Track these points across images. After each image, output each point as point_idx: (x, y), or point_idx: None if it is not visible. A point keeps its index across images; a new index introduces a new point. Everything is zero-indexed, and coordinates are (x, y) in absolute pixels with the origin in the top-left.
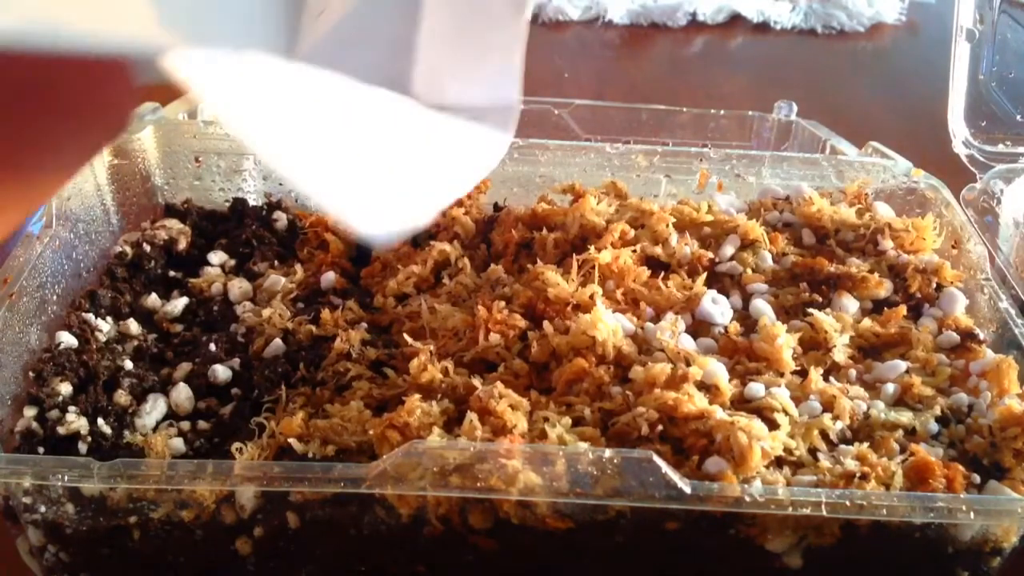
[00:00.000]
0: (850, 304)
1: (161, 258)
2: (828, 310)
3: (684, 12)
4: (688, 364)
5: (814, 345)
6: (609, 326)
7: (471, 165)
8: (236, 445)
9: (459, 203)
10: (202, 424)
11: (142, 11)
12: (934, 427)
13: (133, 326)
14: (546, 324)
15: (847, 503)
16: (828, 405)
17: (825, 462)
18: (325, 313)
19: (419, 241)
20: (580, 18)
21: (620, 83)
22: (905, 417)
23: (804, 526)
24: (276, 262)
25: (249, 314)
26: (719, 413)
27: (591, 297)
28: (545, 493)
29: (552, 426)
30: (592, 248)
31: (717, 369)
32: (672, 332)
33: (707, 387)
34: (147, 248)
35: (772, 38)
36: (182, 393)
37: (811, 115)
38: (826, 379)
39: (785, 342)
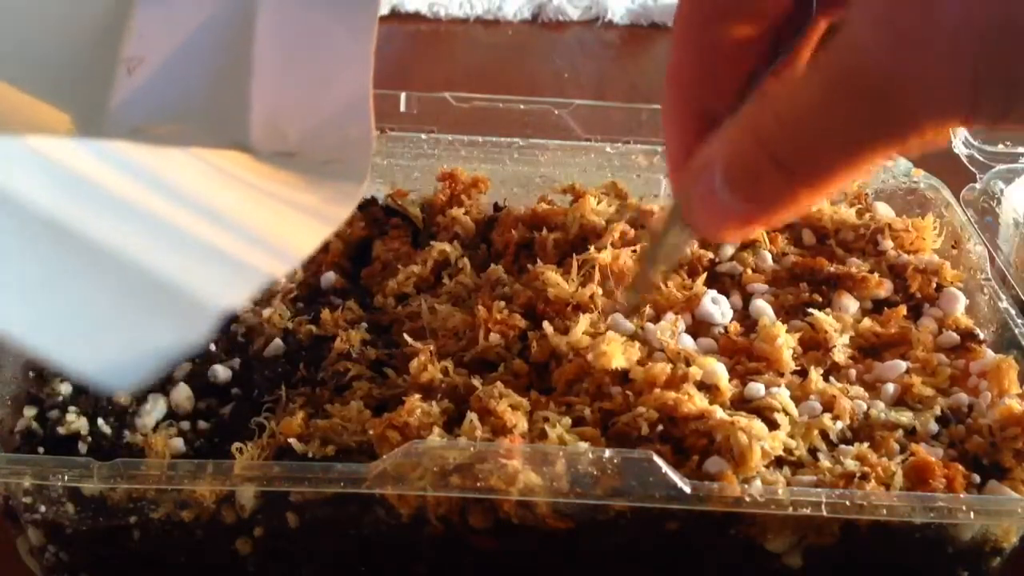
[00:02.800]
0: (850, 304)
1: None
2: (828, 310)
3: None
4: (688, 364)
5: (814, 345)
6: (619, 351)
7: (309, 227)
8: (236, 445)
9: (459, 203)
10: (202, 424)
11: None
12: (934, 427)
13: None
14: (546, 324)
15: (847, 503)
16: (828, 405)
17: (825, 462)
18: (325, 313)
19: (419, 241)
20: (580, 18)
21: (620, 83)
22: (905, 417)
23: (804, 526)
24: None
25: (249, 314)
26: (719, 413)
27: (591, 297)
28: (545, 493)
29: (552, 426)
30: (592, 248)
31: (717, 369)
32: (672, 332)
33: (707, 387)
34: None
35: None
36: (182, 393)
37: None
38: (826, 379)
39: (785, 342)
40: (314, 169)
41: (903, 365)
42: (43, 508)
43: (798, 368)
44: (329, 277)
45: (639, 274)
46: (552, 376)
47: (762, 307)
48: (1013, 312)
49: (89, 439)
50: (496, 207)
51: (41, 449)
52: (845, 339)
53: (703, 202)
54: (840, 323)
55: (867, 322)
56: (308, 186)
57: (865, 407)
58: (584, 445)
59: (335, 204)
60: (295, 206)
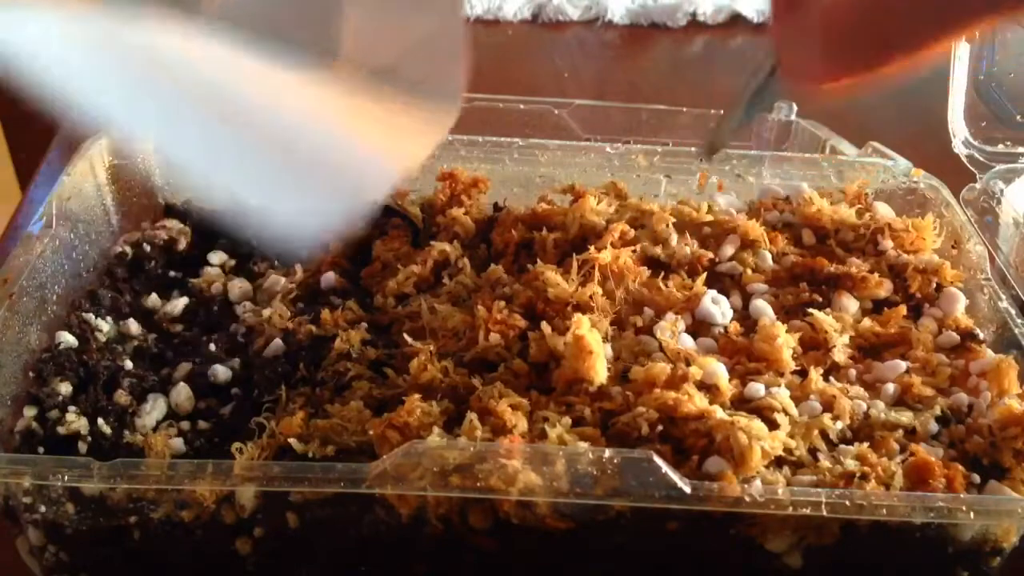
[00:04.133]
0: (850, 304)
1: (161, 258)
2: (828, 310)
3: (684, 12)
4: (688, 364)
5: (814, 345)
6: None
7: (407, 147)
8: (236, 445)
9: (459, 203)
10: (202, 424)
11: None
12: (934, 427)
13: (133, 326)
14: (544, 325)
15: (847, 503)
16: (828, 405)
17: (825, 462)
18: (325, 313)
19: (419, 241)
20: (580, 18)
21: (620, 83)
22: (905, 417)
23: (804, 526)
24: (276, 262)
25: (249, 314)
26: (719, 413)
27: (591, 297)
28: (545, 493)
29: (552, 426)
30: (592, 248)
31: (717, 369)
32: (672, 332)
33: (707, 387)
34: (147, 248)
35: None
36: (182, 393)
37: (811, 115)
38: (826, 379)
39: (785, 342)
40: (408, 90)
41: (903, 365)
42: (43, 508)
43: (798, 368)
44: (329, 277)
45: (724, 119)
46: (552, 376)
47: (762, 307)
48: (1013, 312)
49: (89, 439)
50: (496, 207)
51: (41, 449)
52: (845, 339)
53: (800, 51)
54: (840, 323)
55: (867, 322)
56: (404, 108)
57: (865, 407)
58: (584, 445)
59: (431, 125)
60: (395, 125)
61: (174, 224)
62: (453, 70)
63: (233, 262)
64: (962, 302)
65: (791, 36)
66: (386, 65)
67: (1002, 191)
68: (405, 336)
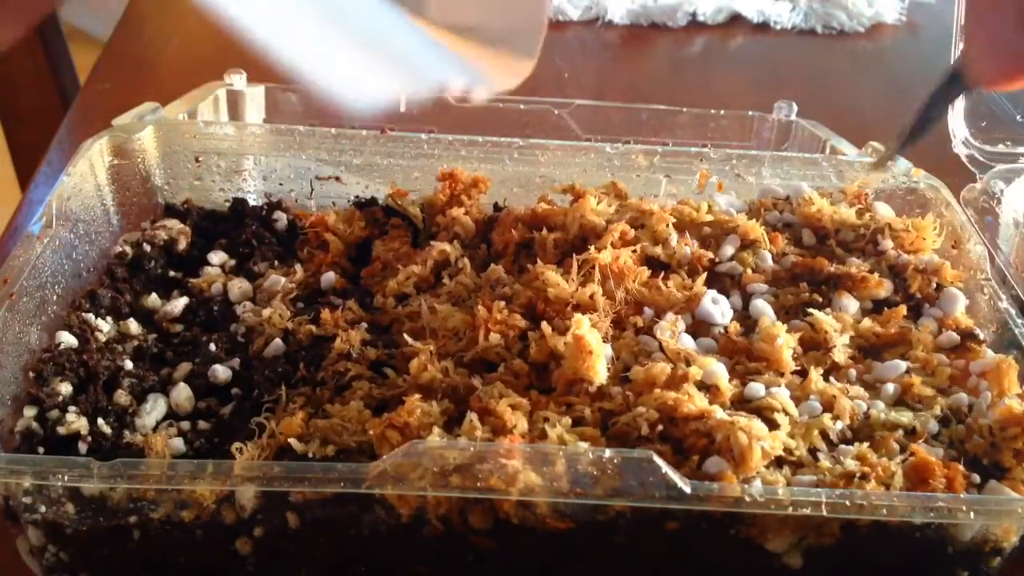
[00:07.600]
0: (850, 304)
1: (161, 258)
2: (828, 310)
3: (684, 12)
4: (688, 364)
5: (814, 345)
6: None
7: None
8: (236, 445)
9: (459, 203)
10: (202, 424)
11: None
12: (934, 427)
13: (133, 326)
14: (544, 325)
15: (847, 503)
16: (828, 405)
17: (825, 462)
18: (325, 313)
19: (419, 241)
20: (580, 18)
21: (620, 83)
22: (905, 417)
23: (804, 526)
24: (276, 262)
25: (249, 314)
26: (719, 413)
27: (591, 297)
28: (545, 493)
29: (552, 426)
30: (592, 248)
31: (717, 369)
32: (672, 332)
33: (707, 387)
34: (147, 248)
35: (772, 38)
36: (182, 393)
37: (811, 115)
38: (826, 379)
39: (785, 342)
40: (488, 43)
41: (903, 365)
42: (43, 508)
43: (798, 368)
44: (329, 277)
45: (900, 132)
46: (552, 376)
47: (762, 307)
48: (1013, 312)
49: (89, 439)
50: (496, 207)
51: (41, 449)
52: (845, 339)
53: (992, 45)
54: (840, 323)
55: (867, 322)
56: (481, 56)
57: (865, 407)
58: (584, 445)
59: (504, 75)
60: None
61: (174, 224)
62: (531, 29)
63: (233, 262)
64: (962, 302)
65: (984, 34)
66: (467, 23)
67: (1002, 191)
68: (405, 336)
